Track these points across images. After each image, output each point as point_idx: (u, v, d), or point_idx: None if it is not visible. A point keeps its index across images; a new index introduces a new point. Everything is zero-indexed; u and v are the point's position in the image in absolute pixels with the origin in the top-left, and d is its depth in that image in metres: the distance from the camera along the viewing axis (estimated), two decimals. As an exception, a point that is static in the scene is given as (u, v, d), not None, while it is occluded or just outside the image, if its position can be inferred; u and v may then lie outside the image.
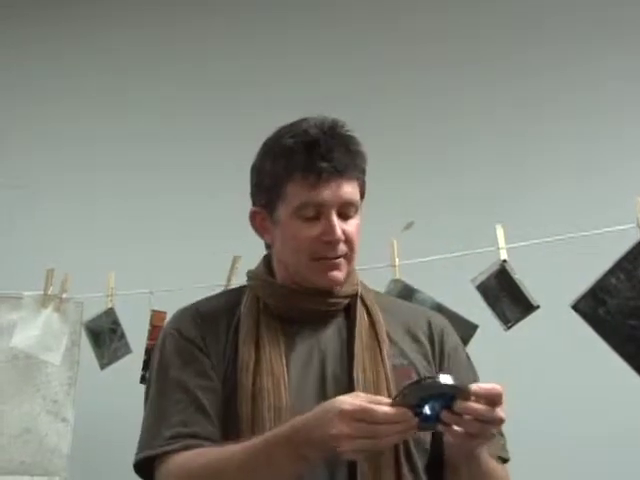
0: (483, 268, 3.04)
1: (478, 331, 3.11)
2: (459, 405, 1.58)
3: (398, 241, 3.26)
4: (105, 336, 3.90)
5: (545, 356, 4.16)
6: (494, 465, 1.86)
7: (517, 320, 2.97)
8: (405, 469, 1.84)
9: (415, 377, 1.90)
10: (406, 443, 1.84)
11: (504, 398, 1.62)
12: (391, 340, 1.96)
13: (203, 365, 1.92)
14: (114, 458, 4.62)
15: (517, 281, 2.96)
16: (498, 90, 4.72)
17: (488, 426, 1.61)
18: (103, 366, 3.94)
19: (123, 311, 3.88)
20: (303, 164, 1.88)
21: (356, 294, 2.01)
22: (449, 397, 1.59)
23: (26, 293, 3.82)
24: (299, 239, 1.91)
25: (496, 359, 3.90)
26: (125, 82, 5.16)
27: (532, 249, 3.03)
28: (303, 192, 1.88)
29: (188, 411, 1.87)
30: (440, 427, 1.62)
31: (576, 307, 2.70)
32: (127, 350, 3.86)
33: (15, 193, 5.12)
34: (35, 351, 3.74)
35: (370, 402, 1.58)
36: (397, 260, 3.24)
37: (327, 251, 1.91)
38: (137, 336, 3.59)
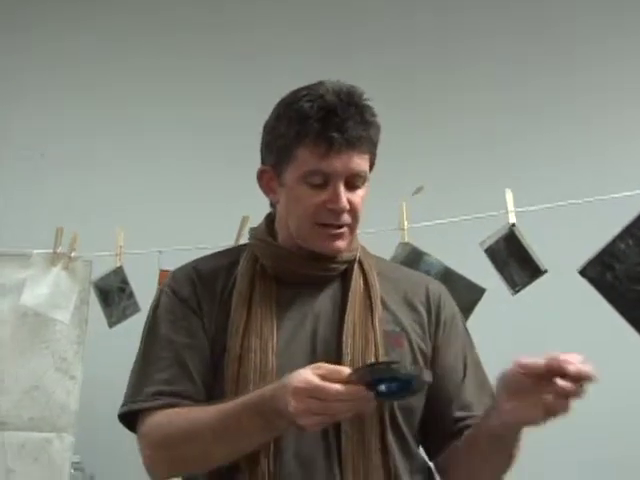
0: (492, 232, 3.04)
1: (485, 295, 3.12)
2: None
3: (407, 205, 3.25)
4: (114, 295, 3.91)
5: (552, 321, 4.17)
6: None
7: (525, 284, 2.98)
8: (390, 435, 1.85)
9: (406, 345, 1.92)
10: (392, 410, 1.86)
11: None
12: (386, 306, 1.96)
13: (193, 325, 1.92)
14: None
15: (525, 245, 2.96)
16: (512, 59, 4.72)
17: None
18: (112, 324, 3.96)
19: (132, 270, 3.89)
20: (316, 131, 1.85)
21: (354, 259, 2.00)
22: (408, 380, 1.59)
23: (35, 251, 3.82)
24: (304, 204, 1.90)
25: (503, 323, 3.93)
26: (128, 47, 5.17)
27: (541, 214, 3.02)
28: (313, 159, 1.86)
29: (172, 369, 1.88)
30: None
31: (584, 272, 2.70)
32: (135, 309, 3.87)
33: (26, 154, 5.13)
34: (44, 309, 3.75)
35: (329, 374, 1.58)
36: (406, 223, 3.24)
37: (330, 218, 1.89)
38: (145, 295, 3.58)
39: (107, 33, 5.18)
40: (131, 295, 3.89)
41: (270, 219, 2.06)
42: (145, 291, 3.65)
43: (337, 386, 1.56)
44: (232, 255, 2.05)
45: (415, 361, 1.92)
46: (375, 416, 1.83)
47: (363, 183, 1.93)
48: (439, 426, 1.95)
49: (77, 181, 5.01)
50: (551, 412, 1.62)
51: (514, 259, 2.98)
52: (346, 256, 1.98)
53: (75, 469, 4.18)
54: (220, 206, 4.48)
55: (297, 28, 4.97)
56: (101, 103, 5.11)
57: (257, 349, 1.84)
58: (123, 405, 1.93)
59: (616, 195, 2.88)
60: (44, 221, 3.96)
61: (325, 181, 1.88)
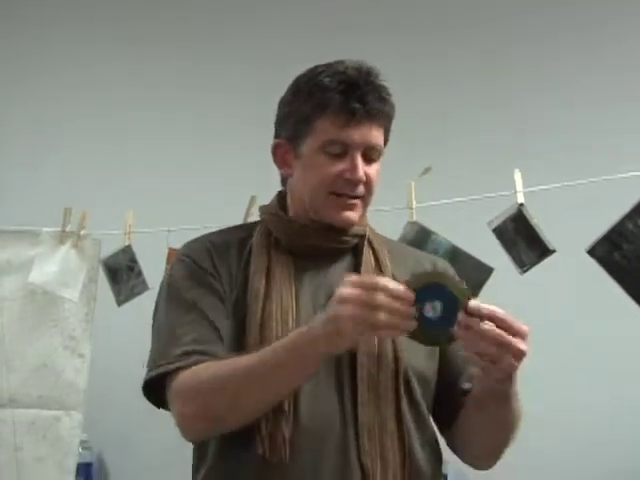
0: (500, 211, 3.04)
1: (493, 274, 3.12)
2: (469, 309, 1.60)
3: (416, 184, 3.25)
4: (122, 273, 3.92)
5: (560, 300, 4.17)
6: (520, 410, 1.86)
7: (533, 264, 2.97)
8: (404, 403, 1.88)
9: None
10: (407, 377, 1.88)
11: (527, 336, 1.64)
12: (396, 281, 1.98)
13: (215, 290, 1.94)
14: (130, 393, 4.68)
15: (534, 225, 2.96)
16: (519, 41, 4.72)
17: (502, 353, 1.62)
18: (120, 303, 3.97)
19: (140, 249, 3.90)
20: (338, 102, 1.90)
21: (364, 235, 2.03)
22: (451, 306, 1.61)
23: (44, 229, 3.83)
24: (321, 173, 1.93)
25: (511, 303, 3.92)
26: (141, 25, 5.18)
27: (549, 193, 3.02)
28: (333, 129, 1.91)
29: (200, 330, 1.89)
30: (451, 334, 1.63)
31: (592, 252, 2.70)
32: (144, 287, 3.88)
33: (35, 133, 5.14)
34: (53, 287, 3.75)
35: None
36: (414, 202, 3.24)
37: (346, 189, 1.93)
38: (154, 273, 3.60)
39: (107, 12, 5.20)
40: (140, 274, 3.89)
41: (281, 196, 2.08)
42: (154, 270, 3.66)
43: (385, 279, 1.61)
44: (245, 230, 2.08)
45: None
46: (391, 383, 1.86)
47: (379, 157, 1.97)
48: (448, 398, 1.98)
49: (87, 159, 5.02)
50: (500, 367, 1.64)
51: (522, 239, 2.98)
52: (357, 230, 2.01)
53: (83, 447, 4.20)
54: (229, 185, 4.49)
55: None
56: (111, 82, 5.13)
57: (278, 317, 1.87)
58: (150, 371, 1.90)
59: (623, 175, 2.87)
60: (53, 199, 3.96)
61: (343, 151, 1.92)
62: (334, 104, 1.90)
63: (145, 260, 3.89)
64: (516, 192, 2.99)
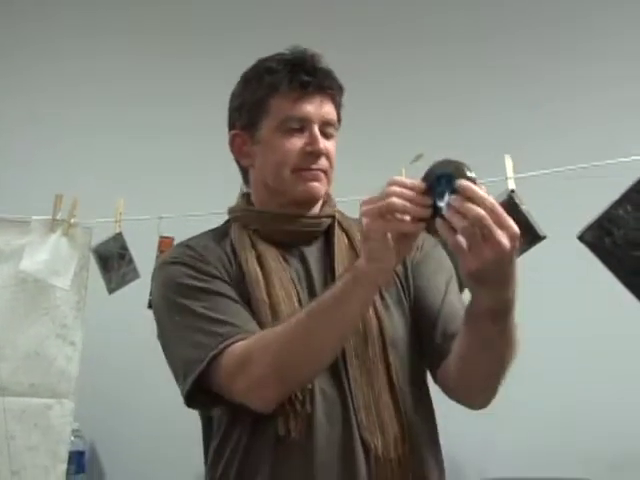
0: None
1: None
2: (458, 187, 1.57)
3: (407, 171, 3.25)
4: (113, 261, 3.91)
5: (550, 286, 4.18)
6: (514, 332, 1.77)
7: (524, 250, 2.97)
8: (395, 374, 1.92)
9: (399, 283, 2.01)
10: (393, 345, 1.93)
11: (516, 236, 1.58)
12: None
13: (218, 275, 1.95)
14: (121, 381, 4.70)
15: (525, 211, 2.96)
16: (515, 34, 4.72)
17: (480, 240, 1.54)
18: (111, 290, 3.96)
19: (131, 236, 3.89)
20: (288, 79, 1.96)
21: (334, 217, 2.07)
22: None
23: (34, 217, 3.82)
24: (283, 151, 1.97)
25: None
26: (141, 17, 5.18)
27: (540, 179, 3.02)
28: (288, 105, 1.96)
29: (233, 310, 1.90)
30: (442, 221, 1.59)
31: (582, 238, 2.70)
32: (135, 275, 3.88)
33: (27, 122, 5.14)
34: (44, 275, 3.75)
35: None
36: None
37: (309, 162, 1.97)
38: (145, 261, 3.59)
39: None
40: (131, 261, 3.89)
41: (245, 195, 2.13)
42: (145, 257, 3.66)
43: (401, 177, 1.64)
44: (217, 233, 2.10)
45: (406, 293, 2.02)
46: (379, 357, 1.91)
47: (334, 133, 2.02)
48: (430, 346, 1.98)
49: (77, 147, 5.02)
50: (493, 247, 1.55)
51: (513, 225, 2.98)
52: (327, 211, 2.06)
53: (75, 436, 4.20)
54: (219, 173, 4.47)
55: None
56: (105, 73, 5.13)
57: (285, 298, 1.90)
58: (202, 358, 1.85)
59: (611, 161, 2.88)
60: (43, 187, 3.95)
61: (301, 127, 1.97)
62: (285, 82, 1.96)
63: (136, 248, 3.89)
64: (507, 178, 2.99)
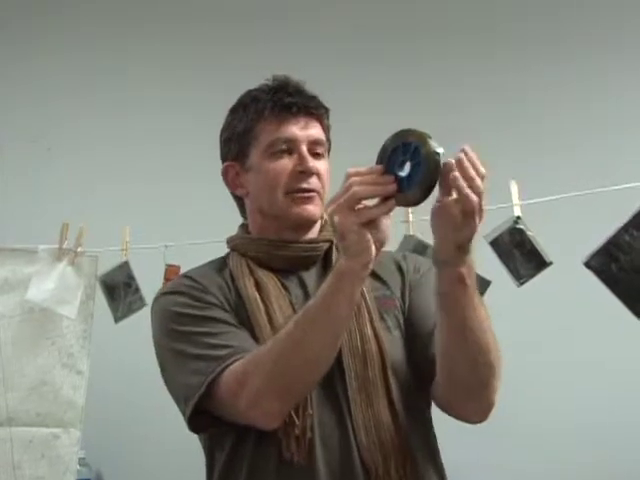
0: (496, 224, 3.04)
1: (490, 287, 3.12)
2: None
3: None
4: (120, 290, 3.91)
5: (557, 312, 4.17)
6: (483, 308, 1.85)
7: (530, 276, 2.98)
8: (395, 395, 1.92)
9: (398, 304, 2.03)
10: (393, 367, 1.93)
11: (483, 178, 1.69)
12: (374, 275, 2.00)
13: (217, 304, 1.97)
14: (128, 410, 4.70)
15: (531, 237, 2.96)
16: (521, 54, 4.73)
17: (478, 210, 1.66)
18: (118, 319, 3.96)
19: (138, 265, 3.89)
20: (272, 103, 1.99)
21: (332, 241, 2.06)
22: (418, 159, 1.65)
23: (41, 247, 3.82)
24: (273, 174, 1.99)
25: (508, 315, 3.93)
26: (137, 30, 5.20)
27: (546, 206, 3.02)
28: (273, 128, 1.99)
29: (230, 334, 1.91)
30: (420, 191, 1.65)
31: (589, 264, 2.70)
32: (142, 304, 3.87)
33: (31, 147, 5.15)
34: (50, 304, 3.74)
35: None
36: (411, 216, 3.24)
37: (301, 182, 1.98)
38: (151, 290, 3.58)
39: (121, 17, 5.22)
40: (137, 290, 3.89)
41: (243, 225, 2.16)
42: (151, 286, 3.65)
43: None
44: (217, 263, 2.13)
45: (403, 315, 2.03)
46: (379, 378, 1.91)
47: (324, 153, 2.04)
48: (424, 364, 1.97)
49: (83, 176, 5.03)
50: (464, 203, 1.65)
51: (519, 251, 2.98)
52: (324, 235, 2.07)
53: (81, 465, 4.18)
54: (225, 202, 4.49)
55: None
56: (107, 100, 5.13)
57: (285, 324, 1.87)
58: (201, 380, 1.86)
59: (617, 187, 2.88)
60: (50, 216, 3.95)
61: (289, 148, 1.98)
62: (269, 106, 1.99)
63: (142, 276, 3.89)
64: (512, 205, 3.00)
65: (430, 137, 1.66)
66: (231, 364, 1.84)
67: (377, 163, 1.69)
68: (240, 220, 2.20)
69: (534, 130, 4.59)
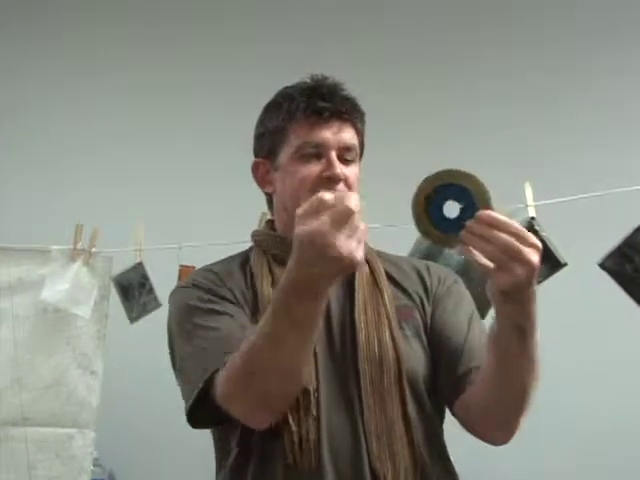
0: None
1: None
2: (480, 217, 1.57)
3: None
4: (134, 290, 3.92)
5: (573, 313, 4.16)
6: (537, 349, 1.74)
7: (545, 277, 2.96)
8: (410, 405, 1.90)
9: (418, 316, 2.00)
10: (409, 376, 1.91)
11: (539, 250, 1.58)
12: (395, 283, 2.02)
13: (232, 300, 1.96)
14: (142, 410, 4.70)
15: (545, 239, 2.95)
16: (532, 54, 4.72)
17: (510, 260, 1.54)
18: (132, 320, 3.97)
19: (152, 265, 3.90)
20: (305, 105, 1.96)
21: None
22: (468, 208, 1.61)
23: (55, 247, 3.83)
24: (300, 177, 1.97)
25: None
26: (140, 33, 5.21)
27: (561, 206, 3.02)
28: (303, 131, 1.96)
29: (233, 329, 1.89)
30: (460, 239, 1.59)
31: (603, 265, 2.69)
32: (156, 304, 3.88)
33: (45, 148, 5.16)
34: (64, 305, 3.75)
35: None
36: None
37: (327, 188, 1.88)
38: (166, 290, 3.59)
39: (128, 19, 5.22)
40: (151, 290, 3.90)
41: (269, 220, 2.15)
42: (165, 286, 3.65)
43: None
44: (240, 257, 2.12)
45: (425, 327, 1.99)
46: (395, 386, 1.89)
47: (355, 159, 2.01)
48: (449, 379, 1.95)
49: (97, 177, 5.04)
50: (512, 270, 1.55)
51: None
52: None
53: (94, 465, 4.19)
54: (239, 202, 4.49)
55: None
56: (122, 100, 5.15)
57: None
58: (201, 377, 1.84)
59: (631, 188, 2.86)
60: (64, 217, 3.96)
61: (318, 153, 1.96)
62: (302, 108, 1.96)
63: (157, 277, 3.89)
64: (527, 206, 2.99)
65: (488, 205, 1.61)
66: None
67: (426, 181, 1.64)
68: (255, 219, 2.19)
69: (550, 131, 4.58)
